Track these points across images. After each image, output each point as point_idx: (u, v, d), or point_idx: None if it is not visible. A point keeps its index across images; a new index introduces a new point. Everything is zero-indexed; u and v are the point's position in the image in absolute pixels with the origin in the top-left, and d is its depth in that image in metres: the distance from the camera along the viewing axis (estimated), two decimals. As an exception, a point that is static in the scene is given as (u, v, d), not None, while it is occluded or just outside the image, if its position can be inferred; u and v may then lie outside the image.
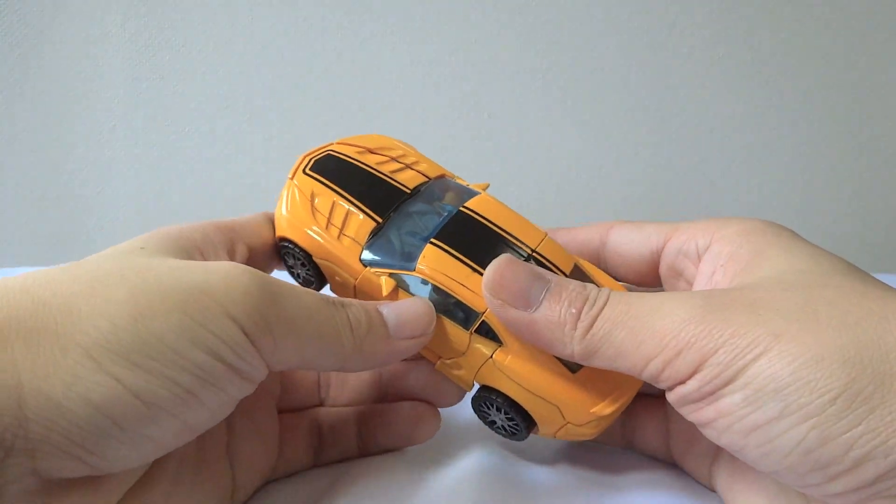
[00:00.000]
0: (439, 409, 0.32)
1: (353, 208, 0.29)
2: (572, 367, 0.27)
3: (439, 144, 0.66)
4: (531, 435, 0.29)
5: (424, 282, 0.28)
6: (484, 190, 0.32)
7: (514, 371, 0.27)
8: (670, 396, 0.23)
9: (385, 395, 0.33)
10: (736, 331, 0.21)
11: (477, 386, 0.29)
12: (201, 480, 0.25)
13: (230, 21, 0.64)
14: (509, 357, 0.27)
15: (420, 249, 0.28)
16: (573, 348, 0.24)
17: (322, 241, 0.29)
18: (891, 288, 0.23)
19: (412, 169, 0.32)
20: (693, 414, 0.22)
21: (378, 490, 0.28)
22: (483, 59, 0.65)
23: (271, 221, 0.31)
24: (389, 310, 0.26)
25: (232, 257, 0.28)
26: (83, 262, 0.23)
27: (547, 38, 0.65)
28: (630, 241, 0.31)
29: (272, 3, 0.63)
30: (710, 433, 0.22)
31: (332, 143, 0.32)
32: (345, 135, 0.29)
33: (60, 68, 0.63)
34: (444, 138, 0.66)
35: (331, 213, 0.29)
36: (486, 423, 0.30)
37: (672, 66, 0.66)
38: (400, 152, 0.33)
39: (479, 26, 0.64)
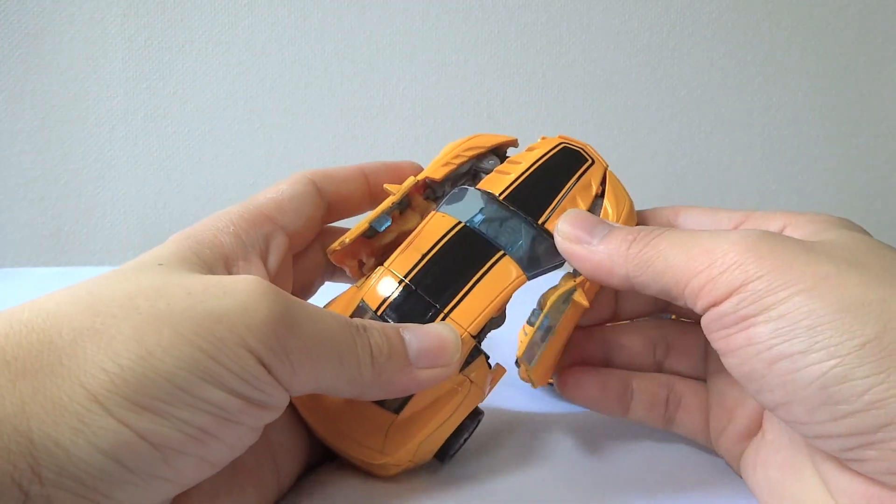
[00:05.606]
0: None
1: (519, 176, 0.31)
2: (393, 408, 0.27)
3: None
4: None
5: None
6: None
7: None
8: (704, 319, 0.23)
9: None
10: (783, 263, 0.21)
11: None
12: (242, 485, 0.25)
13: (230, 21, 0.64)
14: None
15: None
16: (627, 267, 0.25)
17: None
18: None
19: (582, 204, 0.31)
20: (721, 340, 0.23)
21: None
22: (482, 60, 0.65)
23: (315, 190, 0.30)
24: (412, 335, 0.25)
25: (266, 255, 0.27)
26: (95, 283, 0.22)
27: (546, 38, 0.65)
28: (700, 225, 0.31)
29: (272, 3, 0.63)
30: (732, 361, 0.23)
31: (600, 161, 0.33)
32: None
33: (60, 68, 0.63)
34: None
35: (511, 163, 0.32)
36: None
37: (672, 66, 0.66)
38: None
39: (479, 27, 0.64)
